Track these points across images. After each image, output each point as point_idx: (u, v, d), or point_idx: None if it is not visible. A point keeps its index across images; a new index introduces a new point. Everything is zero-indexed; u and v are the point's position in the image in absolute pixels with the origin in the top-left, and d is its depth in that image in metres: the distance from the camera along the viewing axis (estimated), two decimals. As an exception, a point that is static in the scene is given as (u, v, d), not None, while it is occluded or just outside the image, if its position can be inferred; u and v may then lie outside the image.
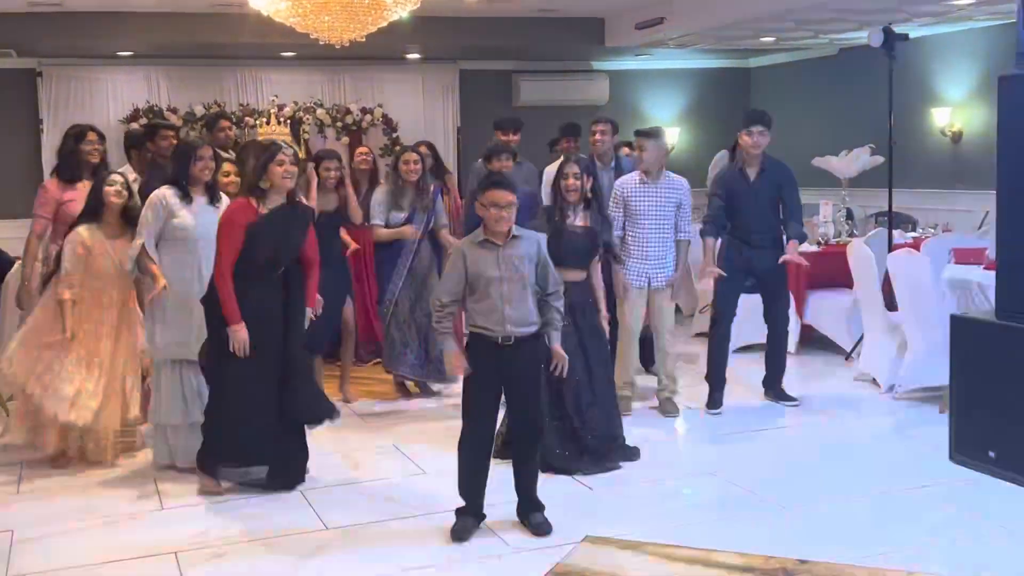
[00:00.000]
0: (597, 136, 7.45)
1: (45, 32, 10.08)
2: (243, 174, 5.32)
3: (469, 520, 4.70)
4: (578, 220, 5.86)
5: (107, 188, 5.73)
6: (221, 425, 5.15)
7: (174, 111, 11.56)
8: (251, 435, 5.17)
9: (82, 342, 5.69)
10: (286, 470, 5.35)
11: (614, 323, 6.67)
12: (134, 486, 5.49)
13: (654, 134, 6.81)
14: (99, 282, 5.74)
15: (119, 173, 6.00)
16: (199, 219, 5.51)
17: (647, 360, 7.35)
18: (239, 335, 4.98)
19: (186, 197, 5.51)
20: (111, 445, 5.80)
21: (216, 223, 5.29)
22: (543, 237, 4.86)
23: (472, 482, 4.72)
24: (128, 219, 5.74)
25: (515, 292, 4.60)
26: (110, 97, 11.59)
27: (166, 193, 5.50)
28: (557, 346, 4.78)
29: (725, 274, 6.65)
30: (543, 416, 4.92)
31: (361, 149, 8.34)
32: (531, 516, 4.75)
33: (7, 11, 9.68)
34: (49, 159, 10.29)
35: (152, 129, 7.42)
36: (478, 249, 4.62)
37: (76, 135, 6.54)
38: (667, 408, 6.81)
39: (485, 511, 4.75)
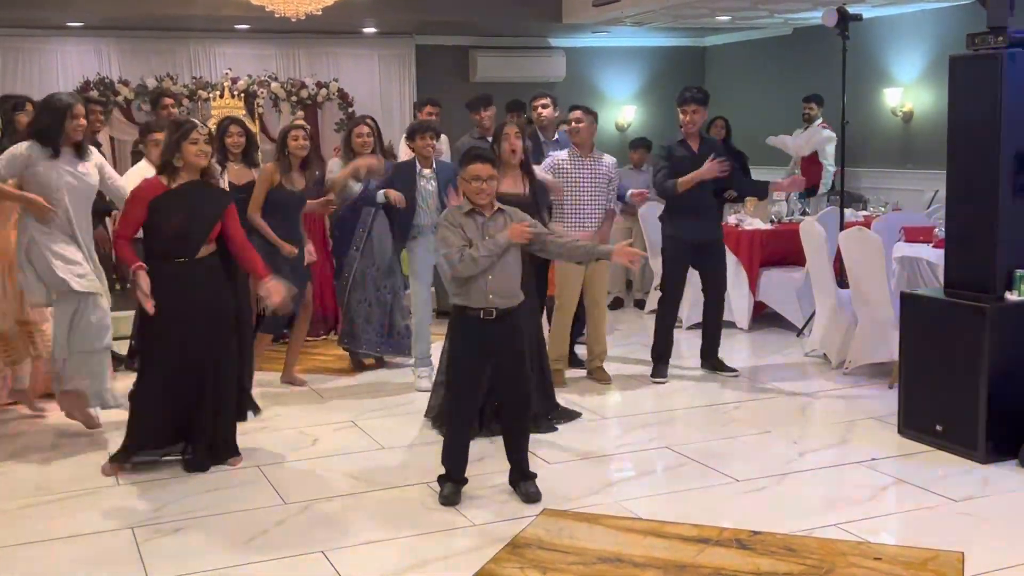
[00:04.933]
0: (539, 110, 7.51)
1: (-7, 1, 9.85)
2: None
3: (455, 485, 4.80)
4: (517, 186, 5.95)
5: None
6: (140, 413, 5.20)
7: (125, 84, 11.35)
8: (164, 421, 5.22)
9: None
10: (208, 451, 5.32)
11: (545, 295, 6.93)
12: (89, 463, 5.44)
13: (592, 111, 6.92)
14: None
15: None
16: (64, 172, 5.55)
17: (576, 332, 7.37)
18: (140, 279, 5.01)
19: (53, 152, 5.52)
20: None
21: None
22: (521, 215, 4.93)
23: (457, 451, 4.82)
24: None
25: (497, 264, 4.65)
26: (60, 69, 11.36)
27: (28, 147, 5.51)
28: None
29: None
30: (530, 385, 4.97)
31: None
32: (522, 484, 4.84)
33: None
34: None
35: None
36: (464, 218, 4.69)
37: (13, 107, 6.43)
38: (600, 376, 6.95)
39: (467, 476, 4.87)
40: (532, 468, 4.99)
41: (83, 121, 5.66)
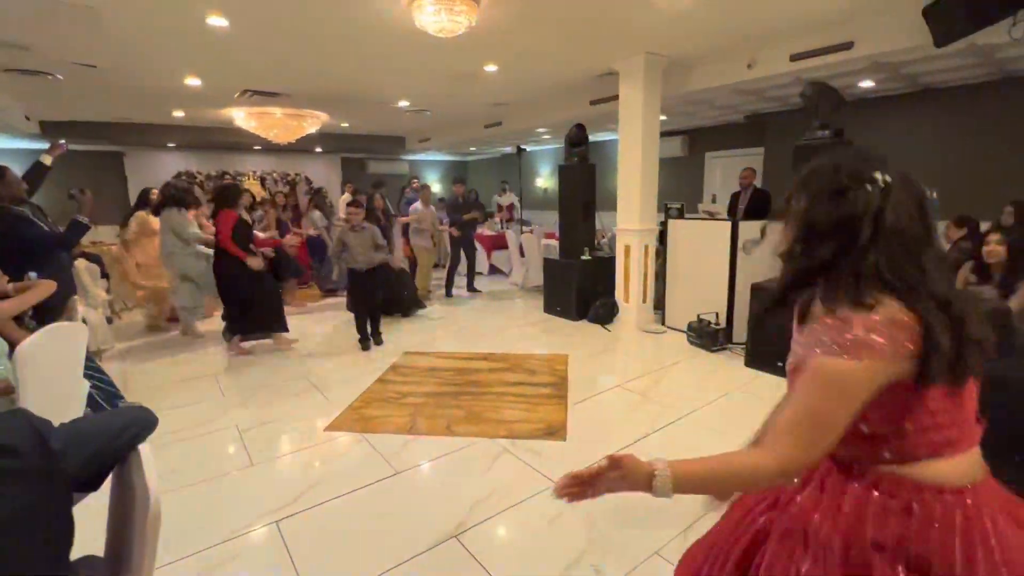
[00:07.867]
0: (417, 184, 7.13)
1: (127, 132, 8.29)
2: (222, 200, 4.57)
3: (366, 343, 4.61)
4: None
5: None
6: (245, 318, 4.51)
7: (200, 173, 9.91)
8: (257, 318, 4.59)
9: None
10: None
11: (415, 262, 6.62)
12: (204, 347, 4.81)
13: (428, 187, 6.71)
14: None
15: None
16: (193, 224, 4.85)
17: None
18: (253, 262, 4.35)
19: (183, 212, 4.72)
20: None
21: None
22: (376, 228, 4.71)
23: (362, 328, 4.62)
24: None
25: (365, 250, 4.51)
26: (163, 168, 9.74)
27: (179, 211, 4.72)
28: (396, 260, 4.67)
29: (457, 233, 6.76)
30: (378, 301, 4.80)
31: (287, 193, 7.54)
32: (376, 336, 4.70)
33: (109, 120, 7.91)
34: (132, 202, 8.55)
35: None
36: (350, 232, 4.50)
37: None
38: (426, 298, 6.75)
39: (370, 343, 4.64)
40: (400, 336, 4.85)
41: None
